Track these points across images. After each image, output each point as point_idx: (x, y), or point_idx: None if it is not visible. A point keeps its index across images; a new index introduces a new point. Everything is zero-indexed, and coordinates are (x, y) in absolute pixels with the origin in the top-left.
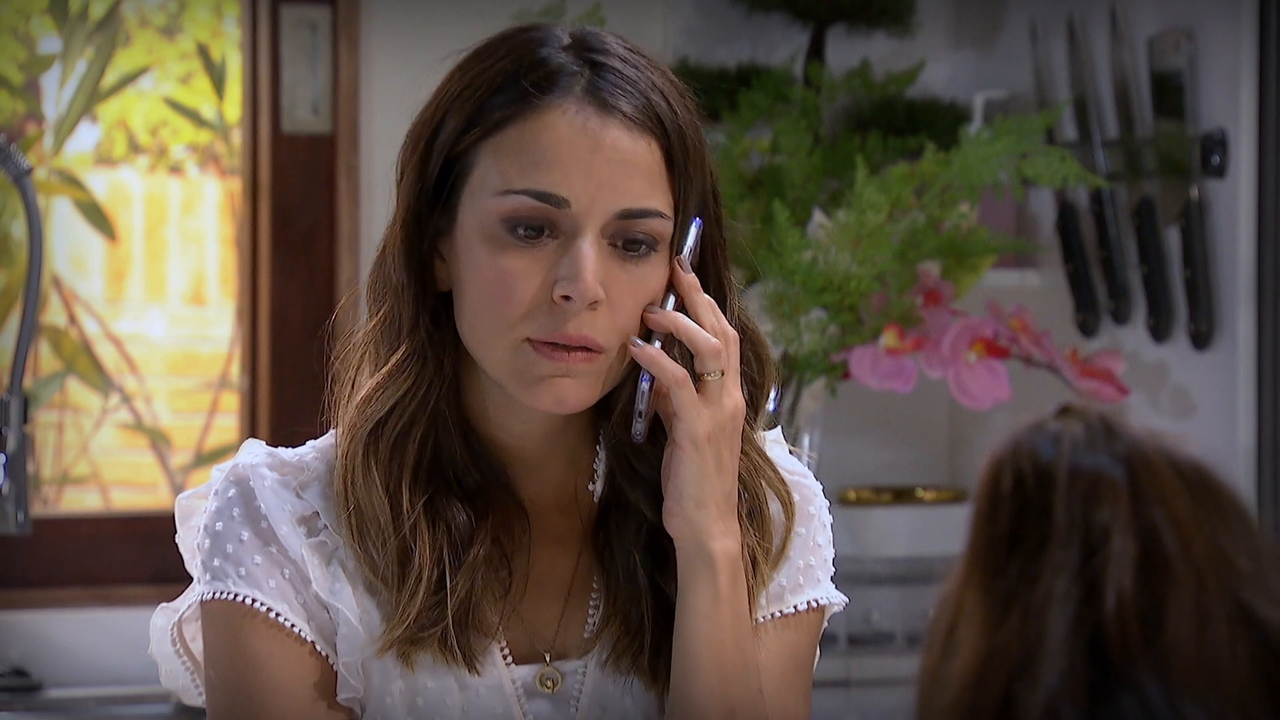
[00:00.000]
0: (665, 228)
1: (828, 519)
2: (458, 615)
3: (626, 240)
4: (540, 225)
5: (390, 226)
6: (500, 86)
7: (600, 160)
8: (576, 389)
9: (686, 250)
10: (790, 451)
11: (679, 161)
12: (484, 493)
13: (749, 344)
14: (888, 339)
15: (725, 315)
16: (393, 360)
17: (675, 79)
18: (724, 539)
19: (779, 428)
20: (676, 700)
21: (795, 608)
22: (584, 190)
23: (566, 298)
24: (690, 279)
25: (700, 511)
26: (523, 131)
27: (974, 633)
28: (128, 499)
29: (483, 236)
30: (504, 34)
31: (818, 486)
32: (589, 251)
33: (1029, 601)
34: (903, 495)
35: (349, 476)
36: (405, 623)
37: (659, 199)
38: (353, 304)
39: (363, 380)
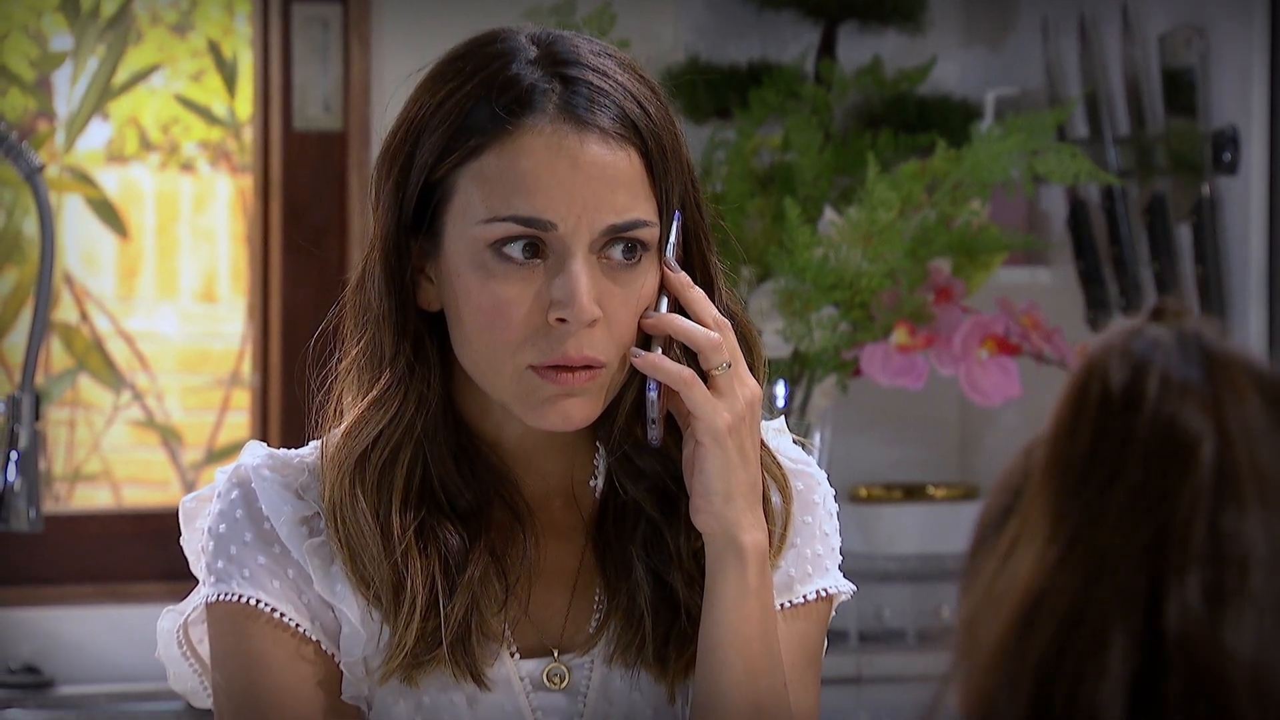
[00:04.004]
0: (652, 234)
1: (833, 507)
2: (458, 635)
3: (615, 253)
4: (529, 249)
5: (368, 251)
6: (472, 110)
7: (582, 179)
8: (582, 407)
9: (670, 247)
10: (795, 442)
11: (659, 165)
12: (478, 510)
13: (737, 328)
14: (899, 336)
15: (714, 301)
16: (375, 389)
17: (646, 75)
18: (753, 531)
19: (783, 419)
20: (702, 693)
21: (805, 597)
22: (569, 211)
23: (563, 320)
24: (681, 277)
25: (729, 505)
26: (501, 157)
27: (1034, 553)
28: (139, 496)
29: (472, 264)
30: (468, 47)
31: (822, 475)
32: (581, 272)
33: (1096, 537)
34: (914, 492)
35: (338, 509)
36: (404, 652)
37: (643, 207)
38: (337, 324)
39: (347, 406)
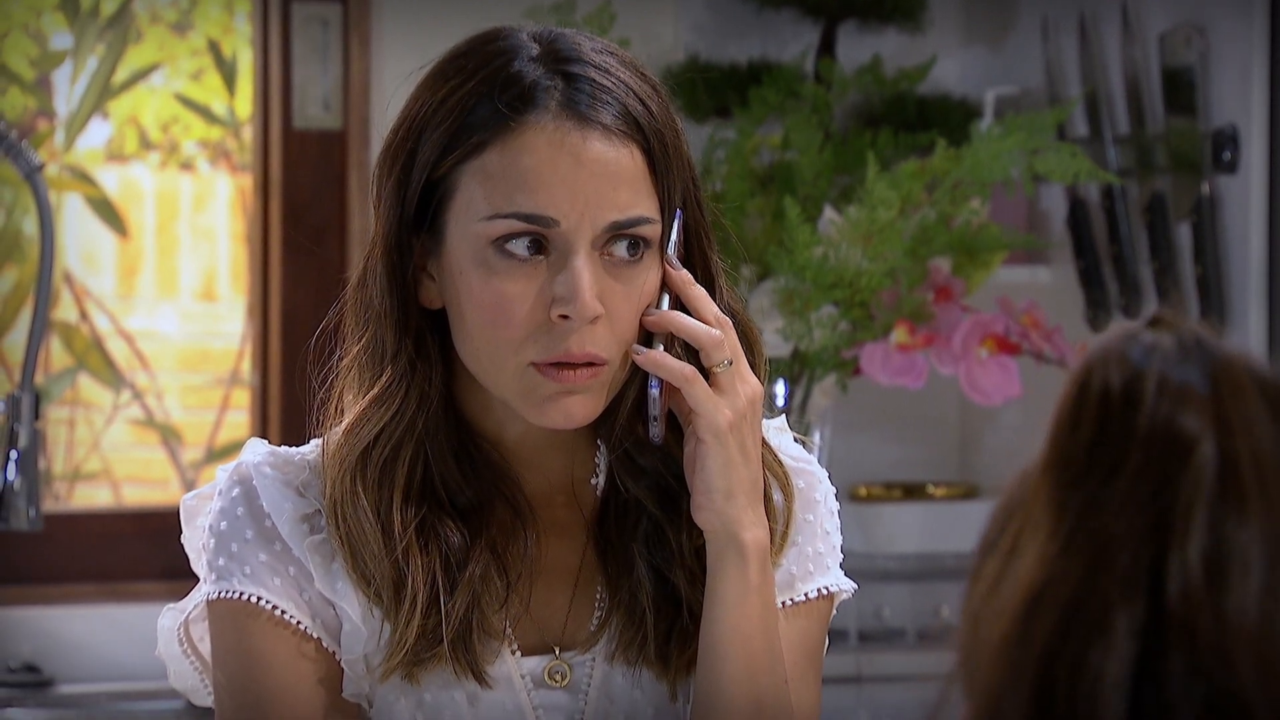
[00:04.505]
0: (654, 231)
1: (834, 505)
2: (459, 633)
3: (618, 249)
4: (531, 246)
5: (369, 249)
6: (474, 107)
7: (584, 176)
8: (584, 404)
9: (672, 245)
10: (796, 440)
11: (660, 162)
12: (479, 508)
13: (738, 326)
14: (899, 335)
15: (715, 299)
16: (377, 387)
17: (647, 73)
18: (754, 528)
19: (783, 417)
20: (703, 690)
21: (806, 595)
22: (571, 208)
23: (565, 317)
24: (682, 274)
25: (730, 503)
26: (503, 154)
27: (1036, 546)
28: (139, 495)
29: (474, 261)
30: (470, 45)
31: (823, 473)
32: (583, 269)
33: (1098, 525)
34: (913, 491)
35: (338, 506)
36: (404, 649)
37: (645, 204)
38: (336, 324)
39: (348, 404)
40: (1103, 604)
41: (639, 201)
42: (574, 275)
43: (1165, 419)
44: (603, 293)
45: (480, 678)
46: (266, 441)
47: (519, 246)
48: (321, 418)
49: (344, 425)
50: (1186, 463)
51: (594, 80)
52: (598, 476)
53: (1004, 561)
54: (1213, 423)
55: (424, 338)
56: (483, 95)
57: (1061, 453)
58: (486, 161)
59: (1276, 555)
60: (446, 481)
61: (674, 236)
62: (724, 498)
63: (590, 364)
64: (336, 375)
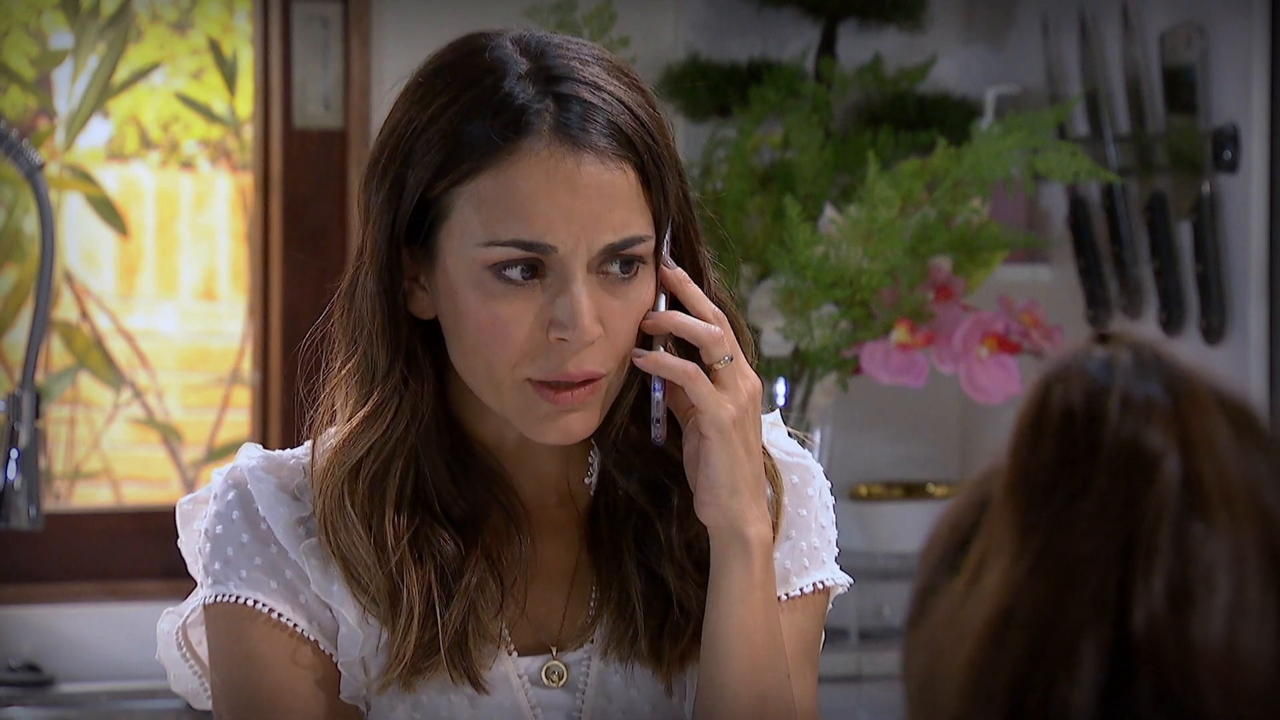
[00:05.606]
0: (649, 248)
1: (829, 500)
2: (455, 641)
3: (614, 268)
4: (528, 270)
5: (358, 262)
6: (465, 129)
7: (580, 201)
8: (583, 420)
9: (665, 245)
10: (792, 436)
11: (654, 176)
12: (474, 515)
13: (725, 314)
14: (899, 334)
15: (704, 291)
16: (369, 405)
17: (637, 79)
18: (758, 524)
19: (778, 412)
20: (707, 686)
21: (801, 590)
22: (568, 233)
23: (563, 339)
24: (677, 273)
25: (735, 498)
26: (497, 179)
27: (1001, 569)
28: (139, 494)
29: (470, 283)
30: (455, 57)
31: (818, 468)
32: (581, 293)
33: (1065, 546)
34: (914, 490)
35: (328, 521)
36: (402, 663)
37: (639, 223)
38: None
39: (339, 408)
40: (1072, 627)
41: (633, 220)
42: (573, 300)
43: (1130, 436)
44: (601, 311)
45: (477, 683)
46: (260, 446)
47: (516, 272)
48: (312, 423)
49: (334, 442)
50: (1151, 480)
51: (585, 100)
52: (592, 476)
53: (967, 587)
54: (1176, 439)
55: (415, 352)
56: (473, 117)
57: (1024, 472)
58: (481, 186)
59: (1242, 573)
60: (440, 492)
61: (666, 237)
62: (729, 493)
63: (588, 380)
64: (327, 389)
